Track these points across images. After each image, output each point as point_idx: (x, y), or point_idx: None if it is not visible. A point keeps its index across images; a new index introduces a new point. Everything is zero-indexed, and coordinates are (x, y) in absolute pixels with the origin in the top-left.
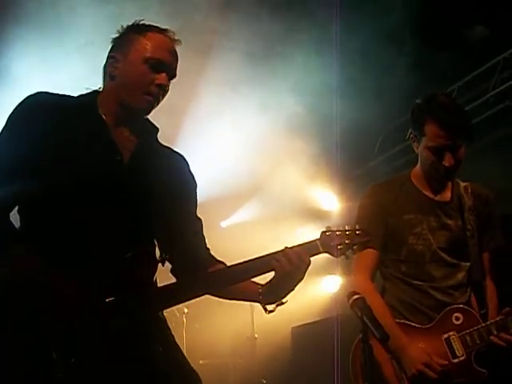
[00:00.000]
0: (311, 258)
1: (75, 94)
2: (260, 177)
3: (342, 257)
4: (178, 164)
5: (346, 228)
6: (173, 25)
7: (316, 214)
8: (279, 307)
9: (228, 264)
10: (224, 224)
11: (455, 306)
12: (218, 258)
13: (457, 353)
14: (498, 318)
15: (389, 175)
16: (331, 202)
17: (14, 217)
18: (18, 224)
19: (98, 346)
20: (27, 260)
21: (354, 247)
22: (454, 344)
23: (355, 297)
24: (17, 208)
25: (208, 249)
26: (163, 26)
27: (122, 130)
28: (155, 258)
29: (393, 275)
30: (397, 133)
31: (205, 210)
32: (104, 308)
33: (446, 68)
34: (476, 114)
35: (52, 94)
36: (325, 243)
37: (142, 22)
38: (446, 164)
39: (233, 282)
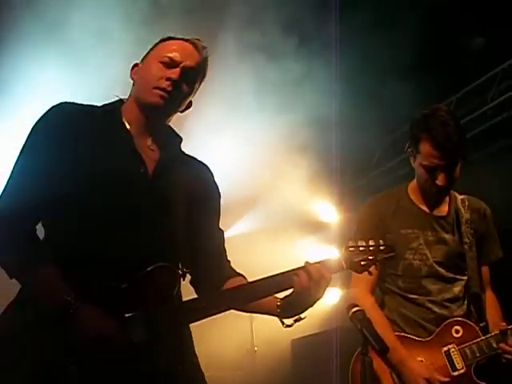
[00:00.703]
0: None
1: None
2: (259, 189)
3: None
4: (202, 175)
5: (370, 243)
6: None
7: (315, 226)
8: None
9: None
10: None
11: (455, 318)
12: (238, 271)
13: (456, 366)
14: (497, 332)
15: (388, 187)
16: (330, 213)
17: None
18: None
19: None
20: (54, 284)
21: (377, 263)
22: (453, 357)
23: (355, 309)
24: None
25: (229, 261)
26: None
27: (145, 140)
28: (177, 271)
29: (391, 289)
30: (396, 144)
31: None
32: (124, 326)
33: (445, 79)
34: (474, 125)
35: (75, 103)
36: (348, 260)
37: (173, 35)
38: (439, 184)
39: (255, 298)
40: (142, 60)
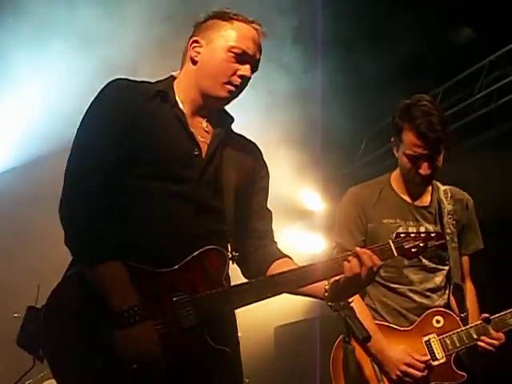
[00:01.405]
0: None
1: None
2: None
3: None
4: (251, 154)
5: (421, 230)
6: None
7: (301, 214)
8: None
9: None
10: None
11: (436, 308)
12: (284, 252)
13: (437, 355)
14: (478, 322)
15: (374, 176)
16: (316, 201)
17: None
18: None
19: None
20: (125, 286)
21: (428, 250)
22: (434, 346)
23: None
24: None
25: (275, 242)
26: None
27: (198, 120)
28: (227, 254)
29: None
30: (382, 133)
31: None
32: (174, 311)
33: (432, 70)
34: (461, 116)
35: (130, 80)
36: (399, 246)
37: (229, 10)
38: (422, 173)
39: (306, 283)
40: (204, 36)
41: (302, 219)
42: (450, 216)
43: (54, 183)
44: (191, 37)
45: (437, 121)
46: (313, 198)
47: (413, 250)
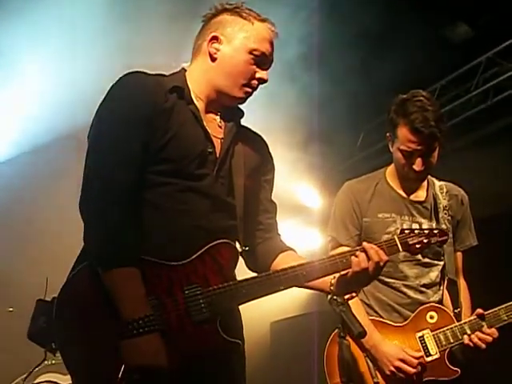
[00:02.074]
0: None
1: None
2: None
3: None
4: (259, 147)
5: (425, 227)
6: None
7: (298, 210)
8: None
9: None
10: None
11: (429, 304)
12: (288, 245)
13: (430, 351)
14: (472, 318)
15: (371, 171)
16: (313, 197)
17: None
18: None
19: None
20: (139, 292)
21: (431, 246)
22: (427, 342)
23: None
24: None
25: (279, 234)
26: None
27: (212, 116)
28: (237, 248)
29: None
30: (380, 129)
31: None
32: (185, 305)
33: (430, 67)
34: (458, 113)
35: (147, 73)
36: (404, 242)
37: (244, 6)
38: (416, 168)
39: (314, 278)
40: (224, 33)
41: (300, 215)
42: (445, 211)
43: (52, 174)
44: (204, 29)
45: (432, 117)
46: (310, 194)
47: (417, 246)
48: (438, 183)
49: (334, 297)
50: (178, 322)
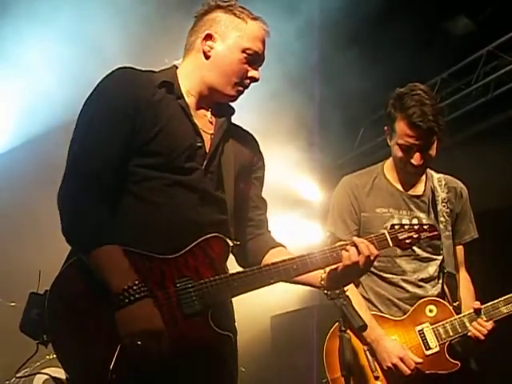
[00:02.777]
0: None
1: None
2: None
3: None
4: (249, 145)
5: (415, 222)
6: None
7: (298, 203)
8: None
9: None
10: None
11: (428, 298)
12: (278, 241)
13: (430, 344)
14: (471, 311)
15: (371, 165)
16: (313, 191)
17: None
18: None
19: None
20: (123, 265)
21: (421, 241)
22: (427, 336)
23: None
24: None
25: (269, 231)
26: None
27: (203, 112)
28: (229, 243)
29: None
30: (380, 123)
31: None
32: (176, 298)
33: (430, 60)
34: (458, 106)
35: (136, 68)
36: (394, 237)
37: (236, 4)
38: (414, 163)
39: (304, 272)
40: (218, 31)
41: (300, 208)
42: (444, 204)
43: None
44: (197, 26)
45: (430, 111)
46: (310, 188)
47: (407, 240)
48: (436, 176)
49: (337, 291)
50: (169, 315)
